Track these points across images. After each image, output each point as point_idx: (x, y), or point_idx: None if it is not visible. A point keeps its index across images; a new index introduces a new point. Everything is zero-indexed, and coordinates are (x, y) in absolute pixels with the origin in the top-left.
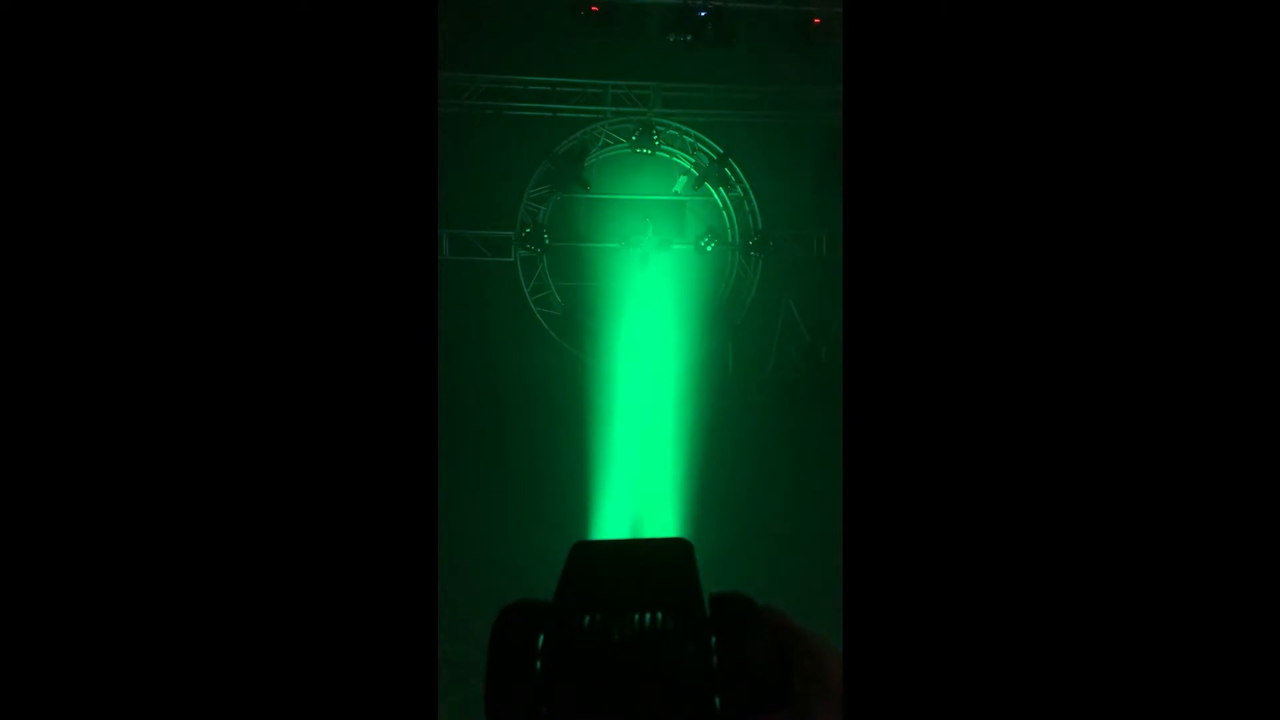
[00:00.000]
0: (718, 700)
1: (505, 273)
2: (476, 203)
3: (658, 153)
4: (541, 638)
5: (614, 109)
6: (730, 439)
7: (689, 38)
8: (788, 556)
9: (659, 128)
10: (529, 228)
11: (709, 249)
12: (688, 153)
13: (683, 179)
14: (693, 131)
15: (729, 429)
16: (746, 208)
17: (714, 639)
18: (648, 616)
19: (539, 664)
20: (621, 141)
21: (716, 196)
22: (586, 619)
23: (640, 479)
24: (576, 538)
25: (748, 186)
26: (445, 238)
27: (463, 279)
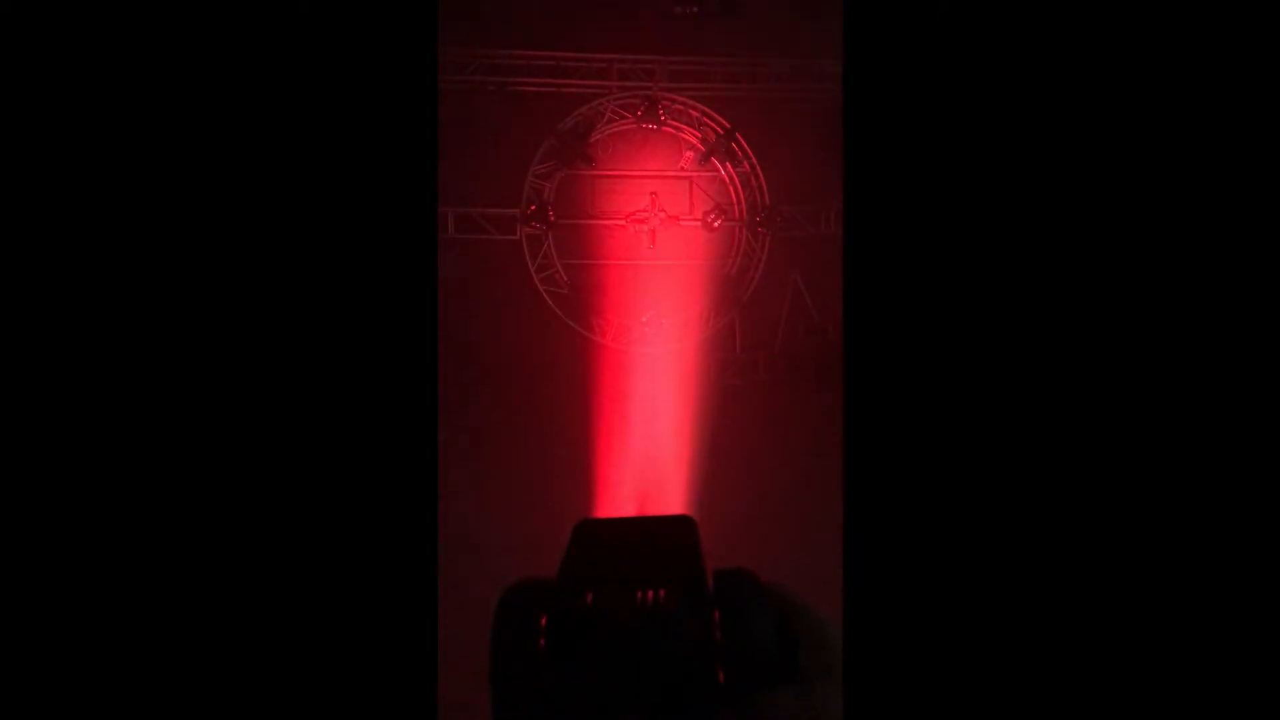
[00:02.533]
0: (721, 674)
1: (510, 250)
2: (481, 179)
3: (664, 128)
4: (545, 616)
5: (620, 83)
6: (737, 417)
7: (695, 10)
8: (795, 536)
9: (665, 102)
10: (534, 205)
11: (716, 225)
12: (694, 128)
13: (689, 154)
14: (699, 106)
15: (736, 407)
16: (754, 183)
17: (717, 614)
18: (650, 593)
19: (542, 642)
20: (627, 117)
21: (724, 172)
22: (589, 596)
23: (646, 457)
24: (581, 516)
25: (755, 162)
26: (450, 215)
27: (467, 257)
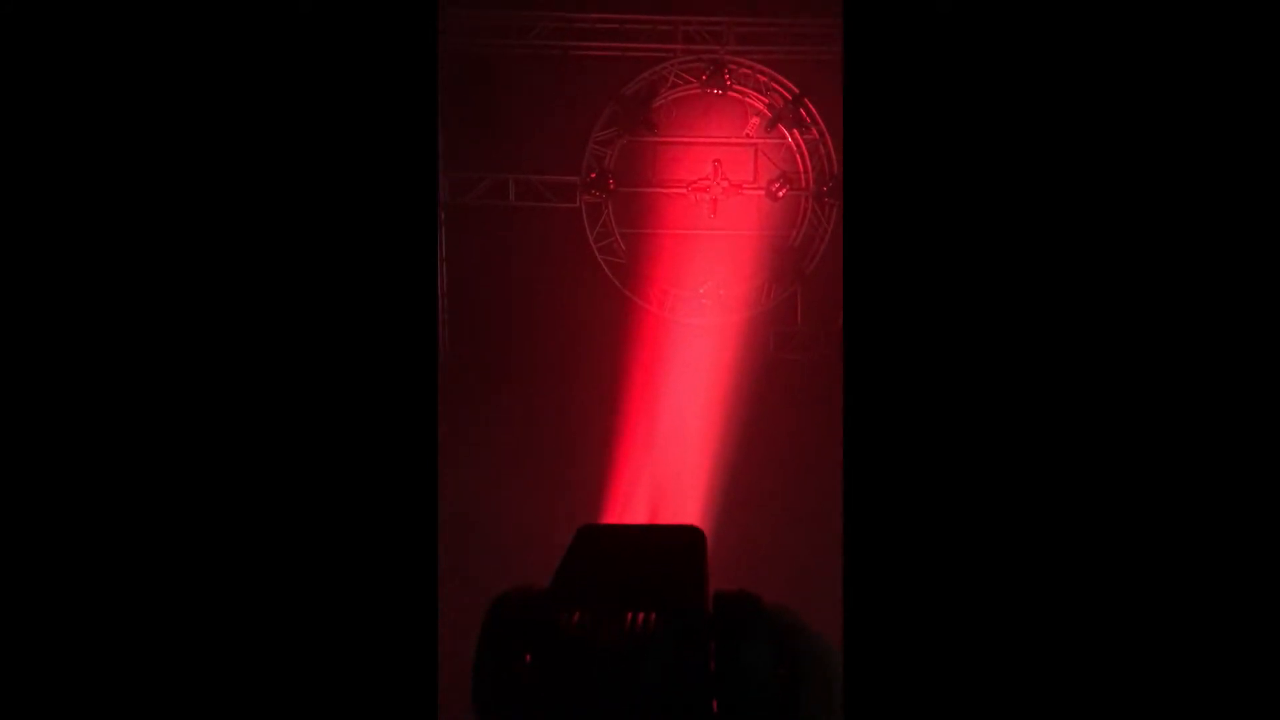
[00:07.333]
0: (715, 705)
1: (570, 218)
2: (542, 146)
3: (729, 93)
4: (532, 632)
5: (685, 47)
6: (793, 390)
7: None
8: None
9: (731, 66)
10: (594, 172)
11: (781, 194)
12: (761, 93)
13: (755, 120)
14: (767, 70)
15: (792, 380)
16: (822, 151)
17: (713, 644)
18: (641, 616)
19: (528, 658)
20: (691, 81)
21: (791, 139)
22: (577, 616)
23: (693, 428)
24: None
25: (824, 129)
26: (511, 182)
27: (528, 224)
